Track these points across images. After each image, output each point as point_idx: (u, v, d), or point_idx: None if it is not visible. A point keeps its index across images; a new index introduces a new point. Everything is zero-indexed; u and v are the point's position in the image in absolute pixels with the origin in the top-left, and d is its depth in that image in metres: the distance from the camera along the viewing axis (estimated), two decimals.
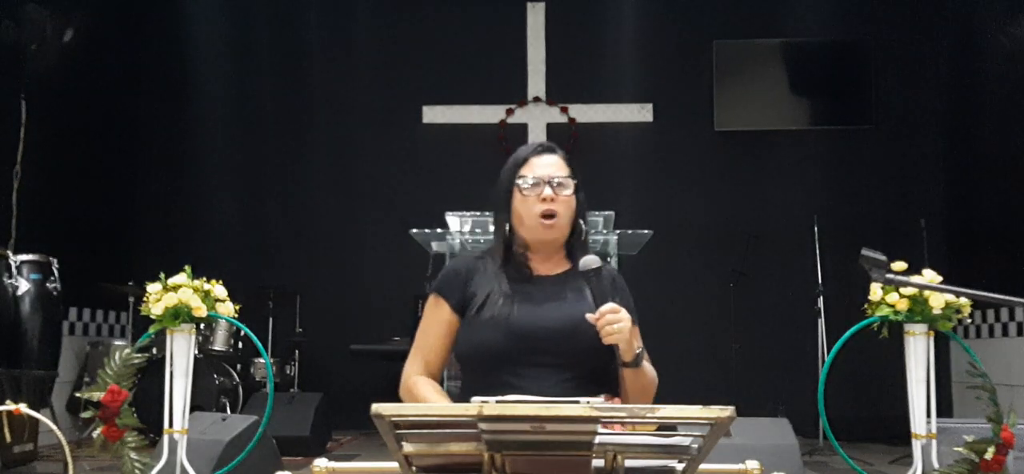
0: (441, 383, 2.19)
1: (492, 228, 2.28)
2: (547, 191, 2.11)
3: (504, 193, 2.18)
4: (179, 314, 3.85)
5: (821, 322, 6.44)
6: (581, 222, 2.18)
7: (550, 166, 2.15)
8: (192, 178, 7.86)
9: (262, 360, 6.49)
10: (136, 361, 3.87)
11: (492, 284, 2.10)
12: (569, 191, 2.13)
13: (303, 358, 7.18)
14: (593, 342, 1.95)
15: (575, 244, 2.16)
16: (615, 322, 1.92)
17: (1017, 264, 6.10)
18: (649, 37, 7.80)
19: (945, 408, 5.46)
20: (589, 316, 1.94)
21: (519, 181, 2.14)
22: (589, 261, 2.01)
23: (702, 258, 7.46)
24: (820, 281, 6.54)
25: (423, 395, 2.08)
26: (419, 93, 7.92)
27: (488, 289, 2.10)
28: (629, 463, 1.55)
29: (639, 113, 7.88)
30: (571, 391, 1.91)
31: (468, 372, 2.13)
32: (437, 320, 2.15)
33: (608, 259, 2.28)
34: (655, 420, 1.44)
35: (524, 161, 2.17)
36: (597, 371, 2.02)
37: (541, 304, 2.07)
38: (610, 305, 1.93)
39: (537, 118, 7.93)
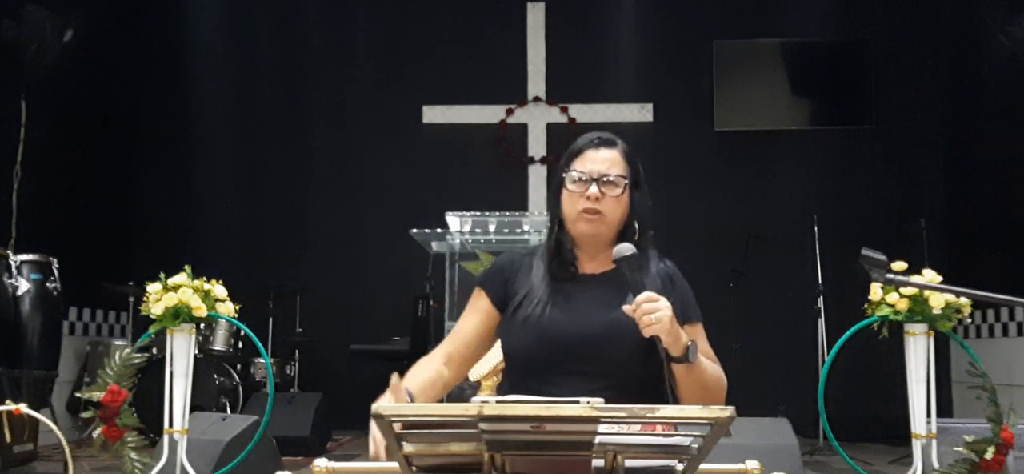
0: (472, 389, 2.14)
1: (492, 228, 2.26)
2: (593, 189, 2.00)
3: (556, 186, 2.09)
4: (179, 314, 3.85)
5: (821, 322, 6.44)
6: (635, 223, 2.05)
7: (603, 162, 2.03)
8: (192, 178, 7.86)
9: (262, 360, 6.49)
10: (136, 361, 3.87)
11: (532, 282, 2.02)
12: (619, 191, 2.02)
13: (303, 358, 7.18)
14: (633, 346, 1.86)
15: (627, 241, 2.00)
16: (653, 311, 1.81)
17: (1017, 264, 6.09)
18: (649, 37, 7.80)
19: (945, 408, 5.46)
20: (626, 308, 1.84)
21: (566, 175, 2.04)
22: (622, 249, 1.91)
23: (702, 258, 7.44)
24: (820, 281, 6.54)
25: (410, 374, 1.96)
26: (419, 93, 7.92)
27: (527, 287, 2.02)
28: (629, 463, 1.55)
29: (639, 113, 7.88)
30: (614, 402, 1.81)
31: (508, 373, 2.08)
32: (474, 310, 2.08)
33: (664, 261, 2.13)
34: (655, 420, 1.44)
35: (578, 153, 2.06)
36: (641, 380, 1.91)
37: (578, 306, 1.98)
38: (647, 293, 1.83)
39: (537, 118, 7.93)
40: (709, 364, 1.98)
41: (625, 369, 1.91)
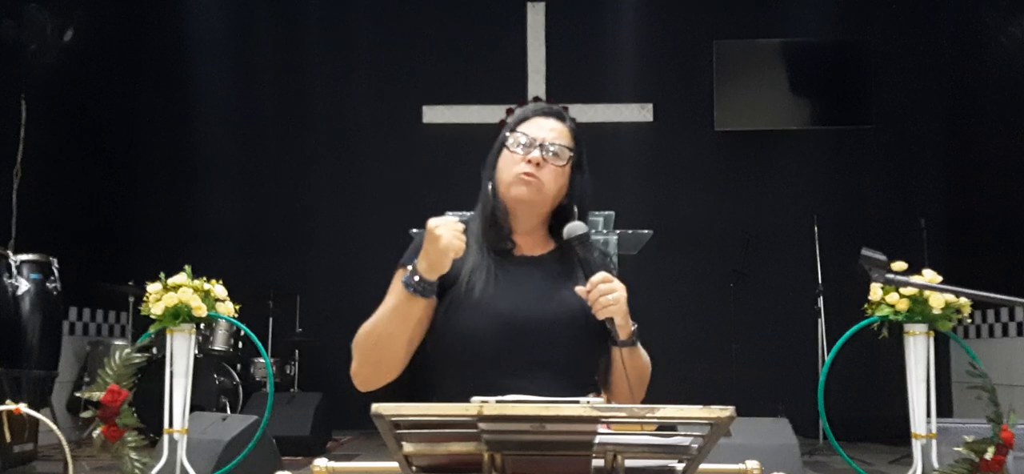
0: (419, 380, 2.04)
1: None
2: (535, 153, 1.89)
3: (495, 149, 1.97)
4: (179, 314, 3.85)
5: (821, 322, 6.45)
6: (574, 206, 1.94)
7: (550, 130, 1.93)
8: (192, 178, 7.86)
9: (262, 360, 6.49)
10: (136, 361, 3.87)
11: (472, 261, 1.88)
12: (561, 162, 1.91)
13: (303, 358, 7.18)
14: (582, 334, 1.81)
15: (560, 224, 1.90)
16: (609, 291, 1.76)
17: (1017, 264, 6.10)
18: (649, 37, 7.80)
19: (945, 408, 5.45)
20: (579, 289, 1.78)
21: (511, 136, 1.93)
22: (575, 227, 1.83)
23: (702, 258, 7.46)
24: (820, 281, 6.54)
25: (367, 324, 1.88)
26: (419, 93, 7.92)
27: (470, 266, 1.87)
28: (629, 463, 1.55)
29: (639, 113, 7.88)
30: (555, 390, 1.74)
31: (449, 361, 1.90)
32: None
33: (597, 249, 2.03)
34: (655, 420, 1.43)
35: (525, 119, 1.96)
36: (585, 368, 1.86)
37: (527, 288, 1.87)
38: (602, 274, 1.77)
39: None
40: (642, 350, 1.93)
41: (574, 355, 1.85)
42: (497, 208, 1.93)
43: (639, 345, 1.89)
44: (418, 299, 1.81)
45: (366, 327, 1.89)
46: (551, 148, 1.91)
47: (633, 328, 1.84)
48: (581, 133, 2.00)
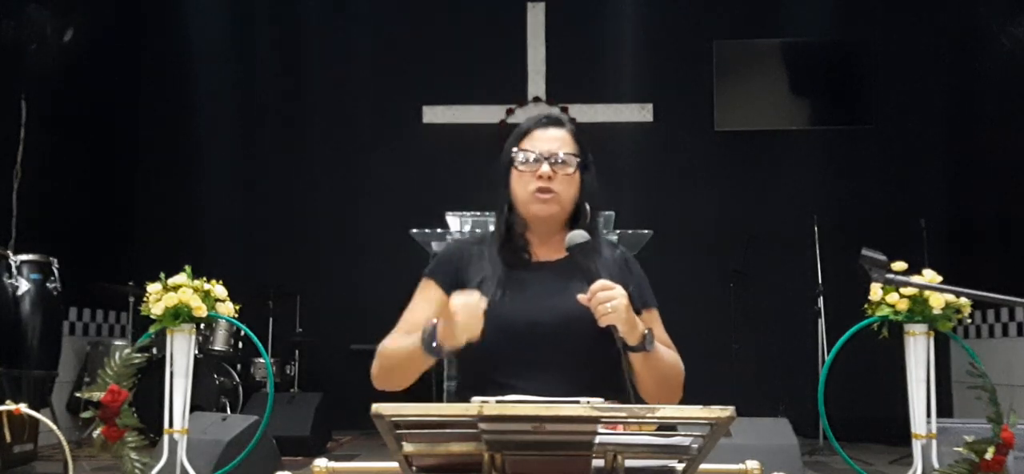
0: (442, 382, 2.12)
1: (492, 228, 2.16)
2: (544, 168, 1.92)
3: (504, 168, 2.00)
4: (179, 314, 3.85)
5: (821, 322, 6.44)
6: (586, 205, 1.98)
7: (553, 141, 1.96)
8: (192, 178, 7.86)
9: (262, 360, 6.49)
10: (136, 361, 3.87)
11: (485, 270, 1.93)
12: (571, 169, 1.95)
13: (303, 358, 7.18)
14: (591, 335, 1.80)
15: (579, 226, 1.94)
16: (608, 300, 1.76)
17: (1017, 264, 6.10)
18: (649, 37, 7.80)
19: (945, 408, 5.45)
20: (580, 297, 1.78)
21: (516, 155, 1.97)
22: (575, 236, 1.86)
23: (702, 258, 7.46)
24: (820, 281, 6.54)
25: (389, 348, 1.91)
26: (419, 93, 7.92)
27: (480, 276, 1.93)
28: (629, 463, 1.55)
29: (639, 113, 7.88)
30: (569, 391, 1.72)
31: (463, 368, 1.99)
32: (425, 300, 1.99)
33: (618, 248, 2.08)
34: (655, 420, 1.43)
35: (525, 133, 1.99)
36: (599, 369, 1.85)
37: (534, 294, 1.90)
38: (601, 282, 1.77)
39: None
40: (666, 351, 1.94)
41: (583, 358, 1.85)
42: (515, 225, 1.98)
43: (660, 347, 1.90)
44: (433, 357, 1.83)
45: (387, 349, 1.93)
46: (557, 159, 1.94)
47: (644, 332, 1.83)
48: (582, 133, 2.01)
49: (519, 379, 1.83)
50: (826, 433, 4.50)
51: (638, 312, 1.88)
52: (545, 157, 1.94)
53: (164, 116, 7.96)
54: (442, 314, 1.77)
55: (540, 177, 1.93)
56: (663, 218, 6.56)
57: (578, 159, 1.97)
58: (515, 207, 1.98)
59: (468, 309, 1.71)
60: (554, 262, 1.98)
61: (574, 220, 1.98)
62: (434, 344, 1.77)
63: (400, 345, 1.89)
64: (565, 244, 1.88)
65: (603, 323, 1.77)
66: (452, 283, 1.95)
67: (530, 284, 1.93)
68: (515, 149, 1.98)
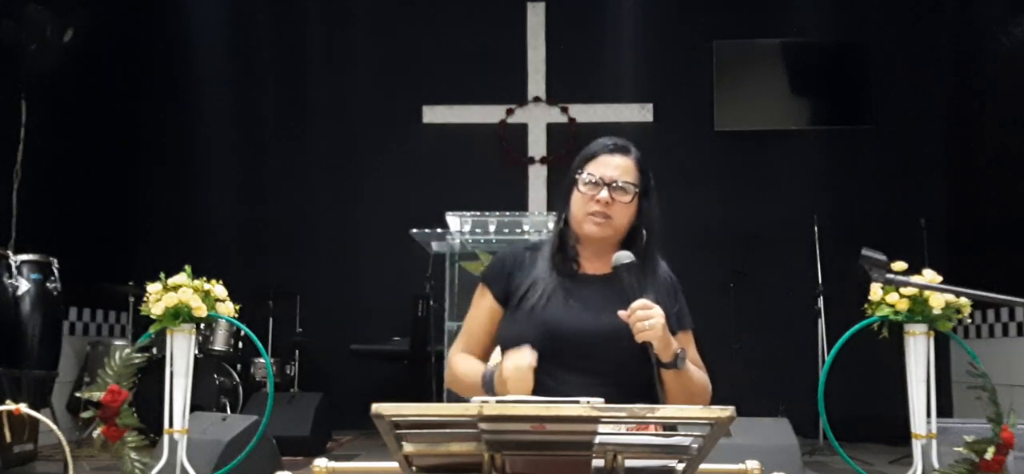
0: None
1: (492, 228, 2.26)
2: (603, 193, 2.04)
3: (566, 185, 2.12)
4: (179, 314, 3.85)
5: (821, 322, 6.44)
6: (643, 231, 2.09)
7: (616, 168, 2.07)
8: (192, 178, 7.86)
9: (262, 360, 6.49)
10: (136, 361, 3.87)
11: (536, 277, 2.06)
12: (628, 197, 2.06)
13: (303, 358, 7.18)
14: (630, 349, 1.89)
15: (633, 248, 2.05)
16: (647, 318, 1.86)
17: (1017, 264, 6.09)
18: (649, 37, 7.79)
19: (945, 408, 5.46)
20: (621, 313, 1.89)
21: (579, 176, 2.08)
22: (621, 256, 1.96)
23: (702, 258, 7.45)
24: (820, 281, 6.54)
25: (461, 369, 2.07)
26: (419, 93, 7.92)
27: (531, 281, 2.05)
28: (629, 463, 1.55)
29: (639, 113, 7.88)
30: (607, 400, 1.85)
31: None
32: (481, 309, 2.13)
33: (669, 274, 2.22)
34: (655, 420, 1.44)
35: (593, 157, 2.10)
36: (637, 381, 1.93)
37: (579, 303, 2.01)
38: (641, 301, 1.88)
39: (537, 118, 7.93)
40: (696, 371, 2.04)
41: (622, 369, 1.95)
42: (568, 238, 2.10)
43: (690, 367, 2.01)
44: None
45: (457, 372, 2.10)
46: (617, 186, 2.05)
47: (677, 351, 1.93)
48: (646, 162, 2.14)
49: (555, 382, 1.92)
50: (826, 433, 4.50)
51: (674, 333, 1.98)
52: (606, 182, 2.05)
53: (164, 116, 7.96)
54: (498, 369, 1.92)
55: (598, 201, 2.04)
56: (663, 218, 6.56)
57: (637, 188, 2.08)
58: (570, 222, 2.10)
59: (519, 372, 1.86)
60: (601, 276, 2.08)
61: (628, 242, 2.09)
62: (490, 388, 1.94)
63: (467, 373, 2.07)
64: (612, 263, 1.98)
65: (639, 339, 1.87)
66: (505, 288, 2.10)
67: (575, 294, 2.04)
68: (580, 170, 2.09)
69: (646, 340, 1.87)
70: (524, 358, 1.88)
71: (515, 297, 2.06)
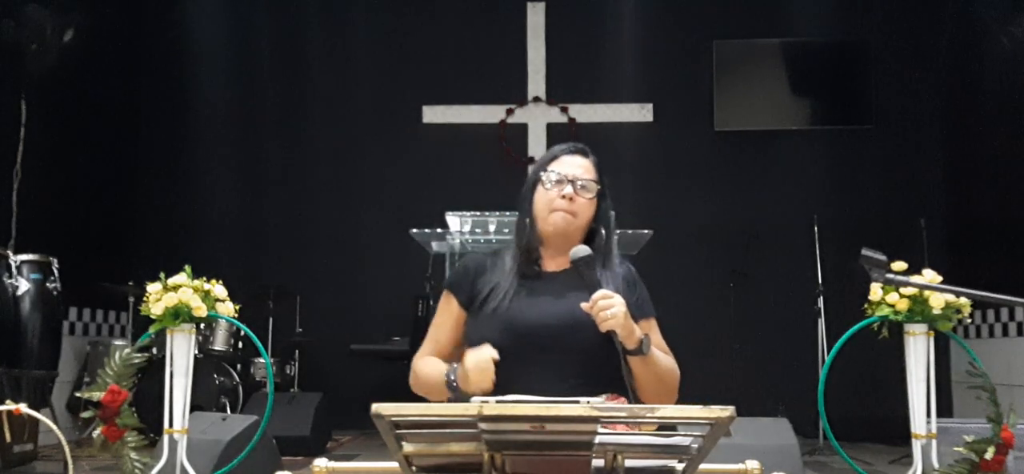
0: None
1: (492, 228, 2.31)
2: (568, 189, 2.13)
3: (529, 186, 2.21)
4: (179, 314, 3.85)
5: (821, 322, 6.44)
6: (601, 230, 2.19)
7: (578, 167, 2.17)
8: (192, 178, 7.86)
9: (262, 360, 6.49)
10: (136, 361, 3.87)
11: (498, 279, 2.13)
12: (591, 195, 2.16)
13: (303, 358, 7.18)
14: (595, 338, 1.95)
15: (591, 245, 2.13)
16: (608, 307, 1.92)
17: (1017, 264, 6.10)
18: (649, 37, 7.80)
19: (945, 408, 5.45)
20: (583, 305, 1.95)
21: (544, 175, 2.17)
22: (578, 250, 2.03)
23: (702, 258, 7.46)
24: (820, 281, 6.54)
25: (424, 372, 2.12)
26: (419, 93, 7.92)
27: (494, 284, 2.12)
28: (629, 463, 1.55)
29: (639, 113, 7.88)
30: (575, 391, 1.87)
31: None
32: (446, 314, 2.19)
33: (627, 265, 2.27)
34: (655, 420, 1.44)
35: (555, 158, 2.21)
36: (603, 371, 2.00)
37: (542, 299, 2.08)
38: (601, 291, 1.95)
39: (537, 118, 7.93)
40: (662, 356, 2.10)
41: (588, 359, 2.01)
42: (532, 239, 2.17)
43: (656, 352, 2.07)
44: (454, 395, 2.05)
45: (420, 374, 2.15)
46: (582, 184, 2.15)
47: (641, 338, 2.00)
48: (601, 167, 2.23)
49: (524, 377, 1.95)
50: (826, 433, 4.50)
51: (637, 321, 2.04)
52: (570, 179, 2.15)
53: (164, 116, 7.96)
54: (460, 365, 1.99)
55: (564, 197, 2.14)
56: (663, 218, 6.56)
57: (598, 187, 2.18)
58: (534, 222, 2.17)
59: (479, 366, 1.93)
60: (561, 272, 2.15)
61: (587, 241, 2.16)
62: (455, 385, 2.01)
63: (429, 374, 2.11)
64: (570, 257, 2.04)
65: (603, 328, 1.93)
66: (469, 293, 2.16)
67: (538, 291, 2.11)
68: (544, 170, 2.19)
69: (610, 328, 1.93)
70: (484, 352, 1.94)
71: (478, 300, 2.12)
